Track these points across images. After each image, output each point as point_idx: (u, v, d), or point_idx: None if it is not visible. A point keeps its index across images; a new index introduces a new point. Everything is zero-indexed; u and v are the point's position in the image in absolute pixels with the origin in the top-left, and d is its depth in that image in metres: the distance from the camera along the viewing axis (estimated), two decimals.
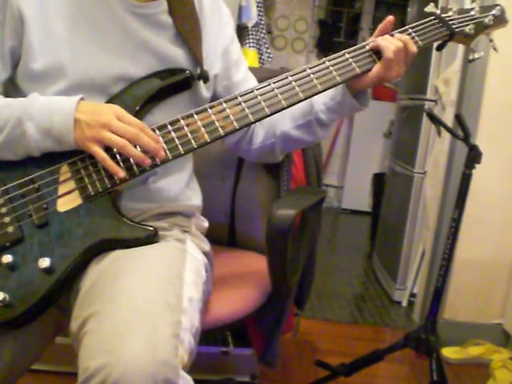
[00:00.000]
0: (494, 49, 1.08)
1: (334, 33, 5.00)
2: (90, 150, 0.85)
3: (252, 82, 1.13)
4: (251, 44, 2.62)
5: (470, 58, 1.08)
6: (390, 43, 0.96)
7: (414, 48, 0.99)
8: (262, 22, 2.72)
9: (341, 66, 0.98)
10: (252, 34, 2.62)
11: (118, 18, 0.93)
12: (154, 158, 0.88)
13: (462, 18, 1.06)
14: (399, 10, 4.78)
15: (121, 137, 0.84)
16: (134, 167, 0.88)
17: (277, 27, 4.87)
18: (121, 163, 0.87)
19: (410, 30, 1.01)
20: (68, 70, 0.90)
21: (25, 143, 0.85)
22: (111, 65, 0.92)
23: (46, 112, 0.85)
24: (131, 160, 0.87)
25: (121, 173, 0.85)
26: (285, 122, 1.07)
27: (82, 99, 0.87)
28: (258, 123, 1.08)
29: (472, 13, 1.06)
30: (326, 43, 4.91)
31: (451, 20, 1.04)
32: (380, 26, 1.00)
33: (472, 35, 1.06)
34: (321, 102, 1.03)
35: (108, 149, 0.86)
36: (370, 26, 4.92)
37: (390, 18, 1.00)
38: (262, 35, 2.71)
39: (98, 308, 0.73)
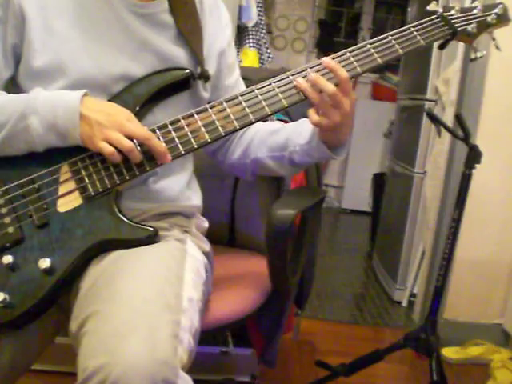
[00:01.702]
0: (497, 47, 1.08)
1: (334, 33, 5.00)
2: (98, 146, 0.85)
3: (242, 88, 1.13)
4: (251, 44, 2.62)
5: (472, 56, 1.08)
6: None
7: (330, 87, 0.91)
8: (262, 22, 2.72)
9: (342, 65, 0.97)
10: (252, 34, 2.62)
11: (120, 17, 0.93)
12: (154, 160, 0.88)
13: (465, 16, 1.05)
14: (399, 9, 4.79)
15: (131, 137, 0.85)
16: (134, 167, 0.88)
17: (277, 27, 4.87)
18: (121, 163, 0.87)
19: (412, 29, 1.01)
20: (68, 69, 0.90)
21: (28, 138, 0.85)
22: (112, 64, 0.92)
23: (50, 106, 0.85)
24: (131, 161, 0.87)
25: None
26: (262, 149, 1.08)
27: (85, 94, 0.87)
28: (236, 142, 1.11)
29: (474, 11, 1.06)
30: (326, 43, 4.90)
31: (454, 19, 1.04)
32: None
33: (474, 34, 1.05)
34: (297, 143, 1.03)
35: None
36: (370, 25, 4.92)
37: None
38: (262, 35, 2.71)
39: (98, 308, 0.73)
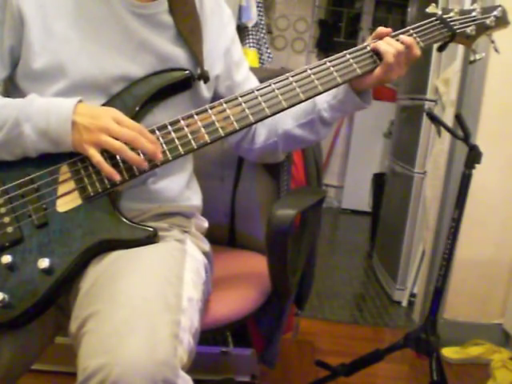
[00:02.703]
0: (496, 50, 1.08)
1: (334, 33, 5.00)
2: (87, 152, 0.85)
3: (253, 81, 1.13)
4: (251, 44, 2.62)
5: (471, 59, 1.08)
6: (391, 46, 0.96)
7: (417, 51, 0.99)
8: (262, 22, 2.72)
9: (342, 67, 0.97)
10: (252, 34, 2.62)
11: (119, 18, 0.93)
12: (152, 160, 0.88)
13: (464, 18, 1.05)
14: (399, 9, 4.79)
15: (119, 140, 0.84)
16: (134, 168, 0.88)
17: (277, 27, 4.87)
18: (121, 164, 0.87)
19: (412, 31, 1.01)
20: (68, 70, 0.90)
21: (22, 144, 0.85)
22: (112, 65, 0.92)
23: (43, 114, 0.85)
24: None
25: (116, 176, 0.85)
26: (287, 121, 1.07)
27: (80, 101, 0.87)
28: (260, 124, 1.09)
29: (473, 14, 1.06)
30: (326, 43, 4.90)
31: (452, 21, 1.04)
32: (378, 31, 1.00)
33: (473, 36, 1.05)
34: (323, 100, 1.03)
35: (106, 150, 0.86)
36: (370, 25, 4.92)
37: (389, 30, 1.00)
38: (262, 35, 2.71)
39: (98, 308, 0.73)
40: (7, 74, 0.92)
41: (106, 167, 0.85)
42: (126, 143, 0.85)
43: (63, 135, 0.84)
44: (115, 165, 0.87)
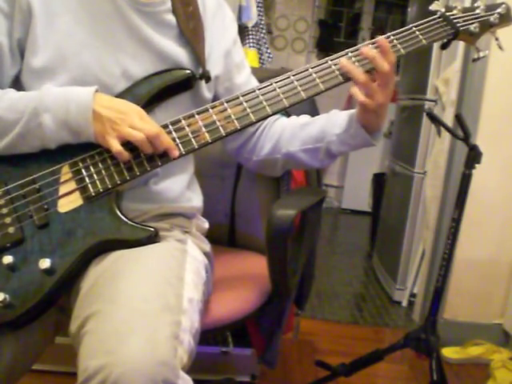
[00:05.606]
0: (500, 47, 1.07)
1: (334, 33, 5.00)
2: (109, 143, 0.85)
3: (254, 85, 1.12)
4: (251, 44, 2.62)
5: (475, 56, 1.07)
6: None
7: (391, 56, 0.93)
8: (262, 22, 2.72)
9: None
10: (252, 34, 2.62)
11: (123, 15, 0.92)
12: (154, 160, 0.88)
13: (467, 16, 1.04)
14: (399, 9, 4.80)
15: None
16: (135, 167, 0.88)
17: (277, 27, 4.87)
18: (121, 164, 0.87)
19: (414, 29, 1.00)
20: (70, 64, 0.89)
21: (41, 135, 0.85)
22: (113, 61, 0.92)
23: (62, 103, 0.84)
24: (131, 161, 0.88)
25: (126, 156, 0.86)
26: (293, 143, 1.07)
27: (96, 90, 0.86)
28: (265, 137, 1.09)
29: (477, 11, 1.05)
30: (326, 43, 4.91)
31: (456, 18, 1.03)
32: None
33: (477, 34, 1.05)
34: (334, 133, 1.02)
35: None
36: (370, 25, 4.92)
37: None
38: (262, 35, 2.71)
39: (98, 308, 0.73)
40: (18, 70, 0.91)
41: (126, 155, 0.85)
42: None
43: (83, 124, 0.85)
44: (116, 165, 0.87)
